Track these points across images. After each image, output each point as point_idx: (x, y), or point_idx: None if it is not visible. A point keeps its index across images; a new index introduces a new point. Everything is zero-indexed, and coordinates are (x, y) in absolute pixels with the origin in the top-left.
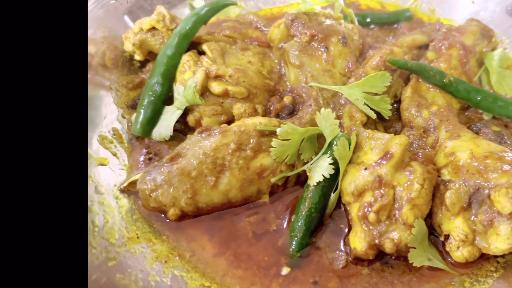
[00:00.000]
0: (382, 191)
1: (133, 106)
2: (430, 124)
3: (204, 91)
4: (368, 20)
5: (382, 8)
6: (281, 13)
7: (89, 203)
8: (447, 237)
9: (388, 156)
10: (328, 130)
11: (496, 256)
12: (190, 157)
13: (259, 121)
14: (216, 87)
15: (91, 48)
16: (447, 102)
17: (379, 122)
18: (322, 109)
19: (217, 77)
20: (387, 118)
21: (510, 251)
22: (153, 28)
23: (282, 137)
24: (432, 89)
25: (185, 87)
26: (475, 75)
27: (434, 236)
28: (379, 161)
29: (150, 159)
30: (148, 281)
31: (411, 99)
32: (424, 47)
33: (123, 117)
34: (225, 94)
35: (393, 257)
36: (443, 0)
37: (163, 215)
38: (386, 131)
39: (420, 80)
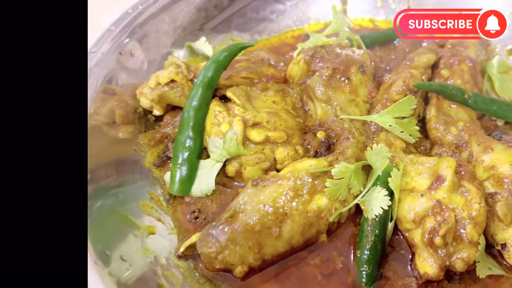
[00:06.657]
0: (443, 215)
1: (160, 164)
2: (460, 140)
3: (244, 140)
4: (368, 41)
5: (374, 27)
6: (280, 43)
7: (156, 278)
8: (503, 245)
9: (441, 180)
10: (379, 163)
11: None
12: (250, 212)
13: (309, 164)
14: (256, 135)
15: (94, 107)
16: (470, 116)
17: (409, 144)
18: (374, 145)
19: (255, 125)
20: (416, 139)
21: None
22: (172, 80)
23: (337, 177)
24: (453, 106)
25: (225, 140)
26: (483, 85)
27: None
28: (433, 185)
29: (196, 217)
30: None
31: (437, 118)
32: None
33: (154, 177)
34: (266, 141)
35: (457, 273)
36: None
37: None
38: (416, 150)
39: (440, 98)
